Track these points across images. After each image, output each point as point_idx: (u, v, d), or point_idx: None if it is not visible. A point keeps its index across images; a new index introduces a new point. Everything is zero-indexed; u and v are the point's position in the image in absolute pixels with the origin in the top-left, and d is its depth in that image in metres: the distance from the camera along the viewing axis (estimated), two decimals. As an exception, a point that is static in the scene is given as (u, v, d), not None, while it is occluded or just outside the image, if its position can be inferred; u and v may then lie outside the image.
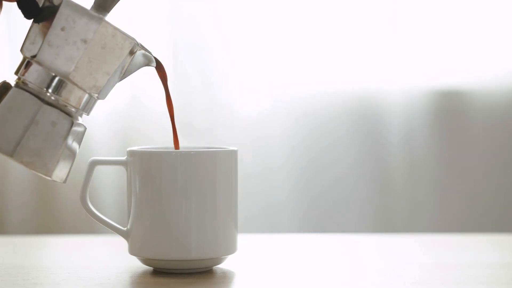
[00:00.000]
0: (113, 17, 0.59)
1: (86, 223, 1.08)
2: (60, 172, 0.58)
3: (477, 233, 1.05)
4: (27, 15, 0.57)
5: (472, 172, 1.13)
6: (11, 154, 0.56)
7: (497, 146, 1.13)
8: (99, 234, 1.02)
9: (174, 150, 0.67)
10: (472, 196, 1.13)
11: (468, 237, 0.93)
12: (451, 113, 1.13)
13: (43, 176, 0.57)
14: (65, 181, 0.59)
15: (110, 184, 1.10)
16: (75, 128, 0.58)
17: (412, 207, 1.13)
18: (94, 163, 0.67)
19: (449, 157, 1.14)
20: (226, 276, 0.66)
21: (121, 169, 0.68)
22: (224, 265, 0.69)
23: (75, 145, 0.59)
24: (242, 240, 0.71)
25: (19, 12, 0.56)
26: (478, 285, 0.64)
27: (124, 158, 0.67)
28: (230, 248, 0.67)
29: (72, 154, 0.59)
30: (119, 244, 0.72)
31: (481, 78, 1.13)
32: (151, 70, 0.64)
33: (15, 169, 1.10)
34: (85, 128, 0.59)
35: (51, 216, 1.11)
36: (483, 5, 1.12)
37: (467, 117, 1.13)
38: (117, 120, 1.11)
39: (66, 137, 0.57)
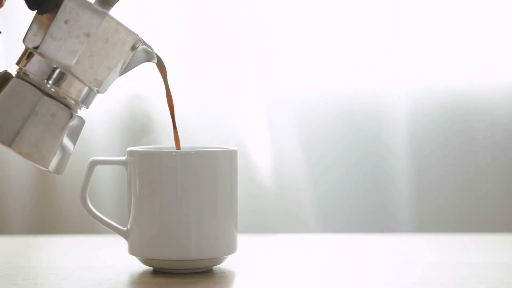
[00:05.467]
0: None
1: (86, 223, 1.07)
2: (57, 164, 0.58)
3: (478, 233, 1.05)
4: (31, 6, 0.57)
5: (474, 172, 1.13)
6: (10, 144, 0.56)
7: (502, 147, 1.12)
8: (99, 234, 1.02)
9: (174, 150, 0.67)
10: (473, 196, 1.13)
11: (469, 237, 0.93)
12: (456, 114, 1.13)
13: (40, 167, 0.57)
14: (61, 173, 0.59)
15: (110, 184, 1.10)
16: (74, 121, 0.58)
17: (414, 208, 1.13)
18: (94, 163, 0.67)
19: (454, 158, 1.13)
20: (226, 276, 0.66)
21: (121, 169, 0.68)
22: (224, 265, 0.69)
23: (73, 137, 0.59)
24: (242, 240, 0.71)
25: (16, 3, 0.56)
26: (478, 285, 0.64)
27: (124, 158, 0.67)
28: (230, 248, 0.67)
29: (70, 147, 0.59)
30: (119, 244, 0.72)
31: (488, 79, 1.12)
32: (154, 70, 0.64)
33: (15, 169, 1.10)
34: (84, 121, 0.60)
35: (51, 216, 1.11)
36: (489, 5, 1.11)
37: (472, 118, 1.12)
38: (117, 120, 1.11)
39: (64, 129, 0.58)
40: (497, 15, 1.11)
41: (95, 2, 0.58)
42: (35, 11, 0.57)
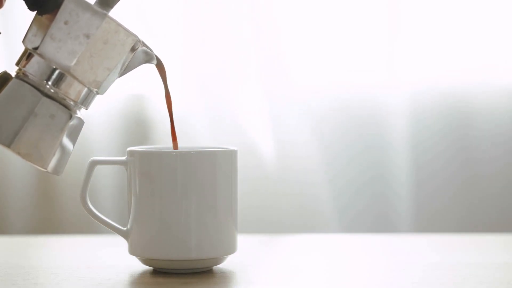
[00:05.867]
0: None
1: (86, 223, 1.07)
2: (56, 165, 0.58)
3: (478, 233, 1.05)
4: (30, 7, 0.57)
5: (475, 172, 1.13)
6: (9, 145, 0.56)
7: (503, 147, 1.12)
8: (99, 234, 1.02)
9: (174, 150, 0.67)
10: (473, 196, 1.13)
11: (469, 237, 0.93)
12: (456, 114, 1.12)
13: (39, 168, 0.57)
14: (60, 174, 0.59)
15: (110, 184, 1.10)
16: (73, 122, 0.58)
17: (414, 207, 1.13)
18: (94, 163, 0.67)
19: (454, 158, 1.13)
20: (226, 276, 0.66)
21: (121, 169, 0.68)
22: (224, 265, 0.69)
23: (72, 138, 0.59)
24: (242, 240, 0.71)
25: (16, 3, 0.56)
26: (478, 285, 0.64)
27: (124, 158, 0.67)
28: (230, 248, 0.67)
29: (69, 148, 0.59)
30: (119, 244, 0.72)
31: (488, 79, 1.12)
32: (154, 70, 0.64)
33: (15, 169, 1.10)
34: (83, 122, 0.60)
35: (51, 216, 1.11)
36: (489, 5, 1.11)
37: (473, 118, 1.12)
38: (118, 120, 1.11)
39: (64, 130, 0.58)
40: (497, 15, 1.11)
41: (95, 3, 0.58)
42: (35, 12, 0.57)
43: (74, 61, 0.57)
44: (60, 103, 0.58)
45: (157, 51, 0.62)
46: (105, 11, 0.57)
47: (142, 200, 0.65)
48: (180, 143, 0.69)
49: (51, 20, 0.57)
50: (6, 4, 0.59)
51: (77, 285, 0.64)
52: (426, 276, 0.68)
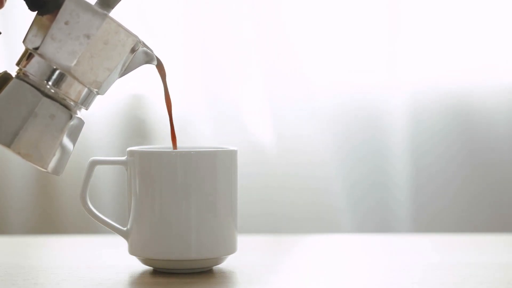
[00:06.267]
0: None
1: (86, 223, 1.08)
2: (56, 165, 0.58)
3: (478, 233, 1.05)
4: (31, 7, 0.57)
5: (474, 172, 1.13)
6: (9, 145, 0.56)
7: (502, 147, 1.12)
8: (99, 234, 1.02)
9: (174, 150, 0.68)
10: (473, 196, 1.13)
11: (469, 237, 0.93)
12: (456, 114, 1.12)
13: (39, 168, 0.57)
14: (60, 174, 0.59)
15: (110, 184, 1.10)
16: (73, 122, 0.58)
17: (414, 207, 1.13)
18: (94, 163, 0.67)
19: (454, 158, 1.13)
20: (226, 276, 0.66)
21: (121, 169, 0.68)
22: (224, 265, 0.69)
23: (72, 139, 0.59)
24: (242, 240, 0.71)
25: (16, 3, 0.56)
26: (478, 285, 0.64)
27: (124, 158, 0.67)
28: (230, 248, 0.67)
29: (69, 148, 0.59)
30: (119, 244, 0.72)
31: (488, 79, 1.12)
32: (153, 70, 0.64)
33: (15, 169, 1.10)
34: (83, 123, 0.60)
35: (51, 216, 1.11)
36: (489, 5, 1.11)
37: (473, 118, 1.12)
38: (118, 120, 1.11)
39: (64, 131, 0.58)
40: (497, 15, 1.11)
41: (95, 3, 0.58)
42: (35, 12, 0.57)
43: (75, 62, 0.57)
44: (60, 103, 0.58)
45: (157, 51, 0.62)
46: (105, 12, 0.57)
47: (142, 200, 0.65)
48: (181, 143, 0.69)
49: (52, 21, 0.57)
50: (6, 4, 0.59)
51: (77, 285, 0.64)
52: (426, 276, 0.68)
